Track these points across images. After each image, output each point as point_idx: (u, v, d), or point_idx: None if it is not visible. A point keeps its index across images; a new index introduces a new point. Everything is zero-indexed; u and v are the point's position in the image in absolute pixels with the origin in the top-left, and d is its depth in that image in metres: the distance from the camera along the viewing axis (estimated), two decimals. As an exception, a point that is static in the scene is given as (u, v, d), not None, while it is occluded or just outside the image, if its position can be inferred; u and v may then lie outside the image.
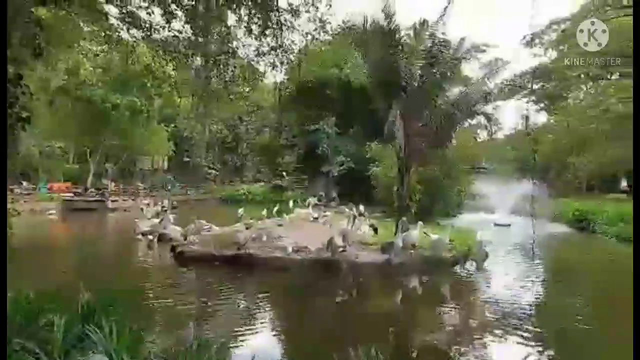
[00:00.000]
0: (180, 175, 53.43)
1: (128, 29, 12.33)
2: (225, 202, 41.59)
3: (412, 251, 12.72)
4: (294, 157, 42.60)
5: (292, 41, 12.16)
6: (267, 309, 9.39)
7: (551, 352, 6.95)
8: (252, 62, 13.20)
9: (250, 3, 10.79)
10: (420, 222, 13.77)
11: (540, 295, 11.01)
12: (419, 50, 15.49)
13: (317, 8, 11.55)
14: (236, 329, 7.56)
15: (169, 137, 47.10)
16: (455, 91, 16.63)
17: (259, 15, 11.01)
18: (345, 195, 30.93)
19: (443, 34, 14.56)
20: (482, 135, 37.65)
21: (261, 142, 51.89)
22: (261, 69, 13.78)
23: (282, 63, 12.21)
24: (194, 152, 55.26)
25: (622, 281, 12.04)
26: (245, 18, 11.22)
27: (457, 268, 12.89)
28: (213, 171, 58.13)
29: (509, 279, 12.13)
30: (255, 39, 11.70)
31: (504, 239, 18.54)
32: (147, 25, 11.79)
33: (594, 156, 29.49)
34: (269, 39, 11.62)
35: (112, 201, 34.04)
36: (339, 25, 33.45)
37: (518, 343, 7.16)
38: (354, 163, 34.22)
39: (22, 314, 4.83)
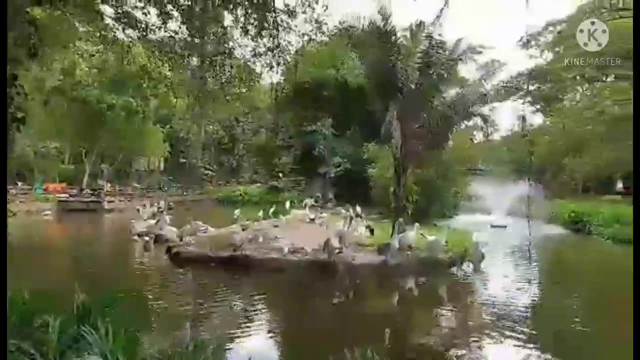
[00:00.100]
0: (176, 176, 53.32)
1: (124, 29, 12.31)
2: (221, 203, 41.52)
3: (409, 252, 12.72)
4: (291, 158, 42.54)
5: (289, 42, 12.16)
6: (263, 310, 9.36)
7: (548, 354, 6.95)
8: (249, 63, 13.19)
9: (246, 3, 10.77)
10: (416, 224, 13.77)
11: (536, 296, 11.03)
12: (415, 52, 15.51)
13: (314, 9, 11.55)
14: (232, 331, 7.53)
15: (164, 137, 47.03)
16: (451, 92, 16.68)
17: (255, 16, 10.99)
18: (342, 196, 30.87)
19: (439, 35, 14.59)
20: (479, 136, 37.65)
21: (257, 143, 51.79)
22: (257, 69, 13.78)
23: (278, 64, 12.20)
24: (190, 153, 55.17)
25: (618, 282, 12.10)
26: (242, 19, 11.22)
27: (454, 269, 12.89)
28: (209, 172, 58.01)
29: (506, 281, 12.14)
30: (252, 39, 11.70)
31: (500, 240, 18.55)
32: (142, 26, 11.75)
33: (590, 158, 29.54)
34: (265, 39, 11.61)
35: (108, 202, 33.92)
36: (335, 26, 33.52)
37: (515, 345, 7.16)
38: (350, 164, 34.21)
39: (18, 315, 4.79)
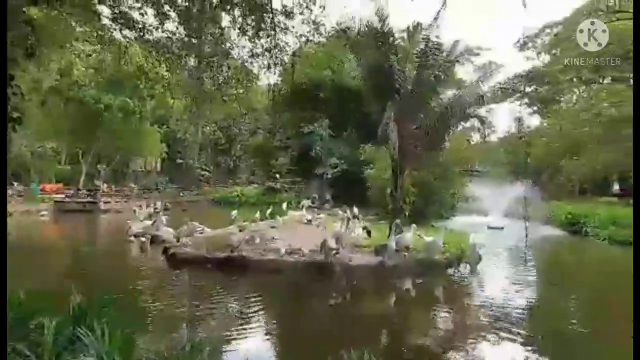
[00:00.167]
0: (173, 176, 53.23)
1: (121, 30, 12.29)
2: (218, 204, 41.42)
3: (406, 253, 12.71)
4: (288, 159, 42.49)
5: (286, 43, 12.17)
6: (260, 311, 9.34)
7: (545, 356, 6.96)
8: (246, 64, 13.19)
9: (244, 4, 10.77)
10: (413, 225, 13.76)
11: (533, 298, 11.03)
12: (412, 53, 15.51)
13: (311, 10, 11.56)
14: (228, 332, 7.52)
15: (161, 138, 46.94)
16: (449, 94, 16.68)
17: (253, 17, 11.00)
18: (339, 197, 30.90)
19: (437, 36, 14.58)
20: (476, 138, 37.62)
21: (254, 143, 51.67)
22: (255, 70, 13.78)
23: (275, 64, 12.20)
24: (187, 153, 55.06)
25: (614, 283, 12.14)
26: (239, 19, 11.22)
27: (451, 270, 12.89)
28: (206, 173, 57.95)
29: (503, 282, 12.15)
30: (249, 40, 11.70)
31: (498, 241, 18.57)
32: (139, 26, 11.74)
33: (587, 160, 29.63)
34: (262, 40, 11.62)
35: (105, 202, 33.80)
36: (332, 27, 33.47)
37: (511, 346, 7.17)
38: (347, 165, 34.17)
39: (13, 316, 4.77)
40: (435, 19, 14.30)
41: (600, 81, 32.93)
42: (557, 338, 7.78)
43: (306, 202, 22.74)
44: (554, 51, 38.48)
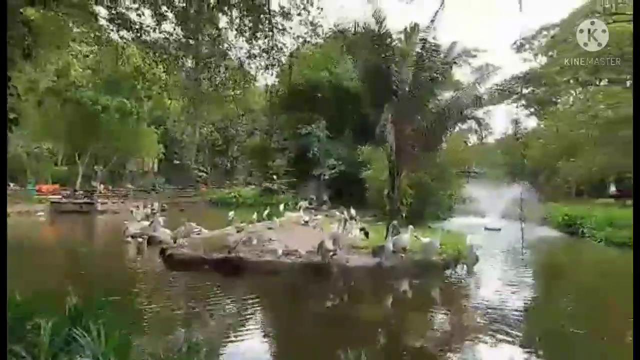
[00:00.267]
0: (170, 177, 53.18)
1: (118, 30, 12.26)
2: (215, 204, 41.37)
3: (403, 255, 12.71)
4: (285, 161, 42.48)
5: (284, 44, 12.17)
6: (257, 313, 9.33)
7: (543, 357, 6.97)
8: (243, 65, 13.17)
9: (241, 5, 10.77)
10: (411, 226, 13.76)
11: (530, 299, 11.04)
12: (410, 55, 15.50)
13: (309, 12, 11.57)
14: (225, 333, 7.51)
15: (159, 139, 46.91)
16: (446, 95, 16.66)
17: (250, 18, 11.00)
18: (336, 198, 30.93)
19: (434, 38, 14.58)
20: (473, 139, 37.67)
21: (252, 145, 51.67)
22: (252, 71, 13.77)
23: (273, 66, 12.20)
24: (184, 154, 55.08)
25: (611, 284, 12.17)
26: (237, 20, 11.21)
27: (448, 272, 12.89)
28: (203, 174, 57.92)
29: (500, 283, 12.16)
30: (247, 41, 11.70)
31: (495, 242, 18.59)
32: (137, 27, 11.72)
33: (583, 161, 29.67)
34: (260, 41, 11.62)
35: (101, 203, 33.75)
36: (330, 28, 33.50)
37: (508, 348, 7.17)
38: (345, 166, 34.21)
39: (9, 317, 4.75)
40: (433, 20, 14.31)
41: (597, 83, 33.01)
42: (554, 339, 7.79)
43: (303, 204, 22.70)
44: (550, 53, 38.62)
